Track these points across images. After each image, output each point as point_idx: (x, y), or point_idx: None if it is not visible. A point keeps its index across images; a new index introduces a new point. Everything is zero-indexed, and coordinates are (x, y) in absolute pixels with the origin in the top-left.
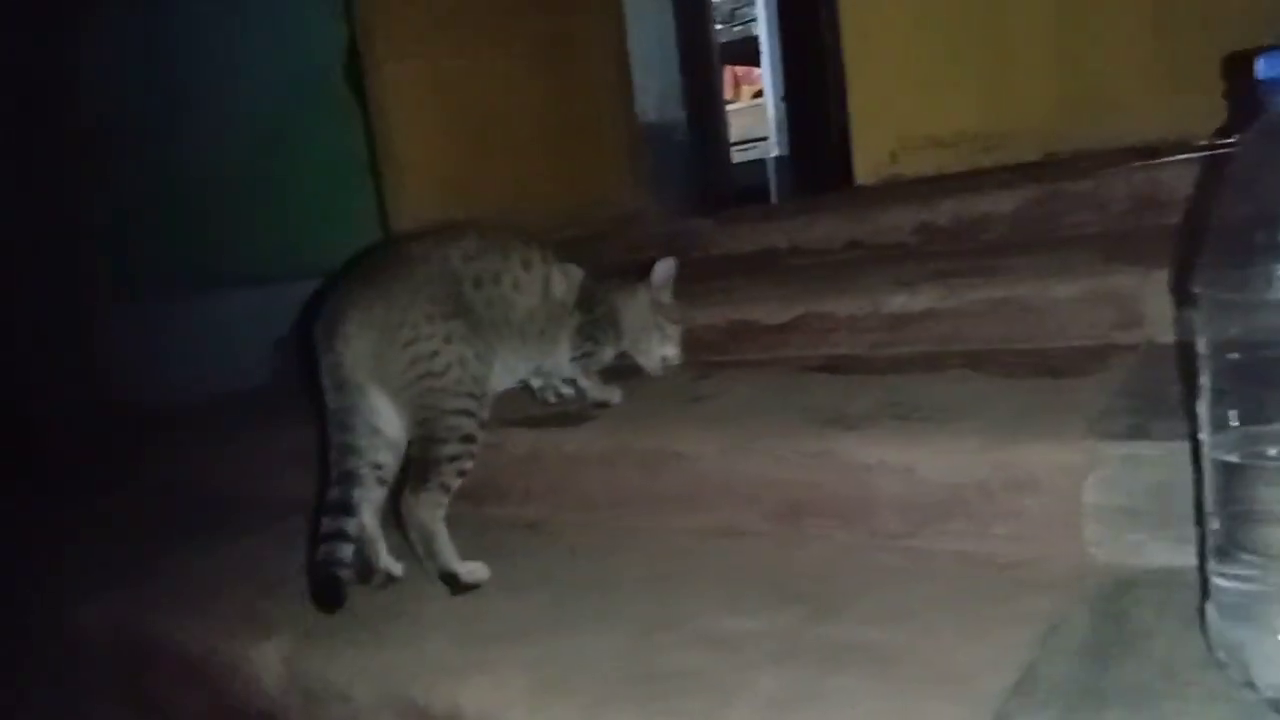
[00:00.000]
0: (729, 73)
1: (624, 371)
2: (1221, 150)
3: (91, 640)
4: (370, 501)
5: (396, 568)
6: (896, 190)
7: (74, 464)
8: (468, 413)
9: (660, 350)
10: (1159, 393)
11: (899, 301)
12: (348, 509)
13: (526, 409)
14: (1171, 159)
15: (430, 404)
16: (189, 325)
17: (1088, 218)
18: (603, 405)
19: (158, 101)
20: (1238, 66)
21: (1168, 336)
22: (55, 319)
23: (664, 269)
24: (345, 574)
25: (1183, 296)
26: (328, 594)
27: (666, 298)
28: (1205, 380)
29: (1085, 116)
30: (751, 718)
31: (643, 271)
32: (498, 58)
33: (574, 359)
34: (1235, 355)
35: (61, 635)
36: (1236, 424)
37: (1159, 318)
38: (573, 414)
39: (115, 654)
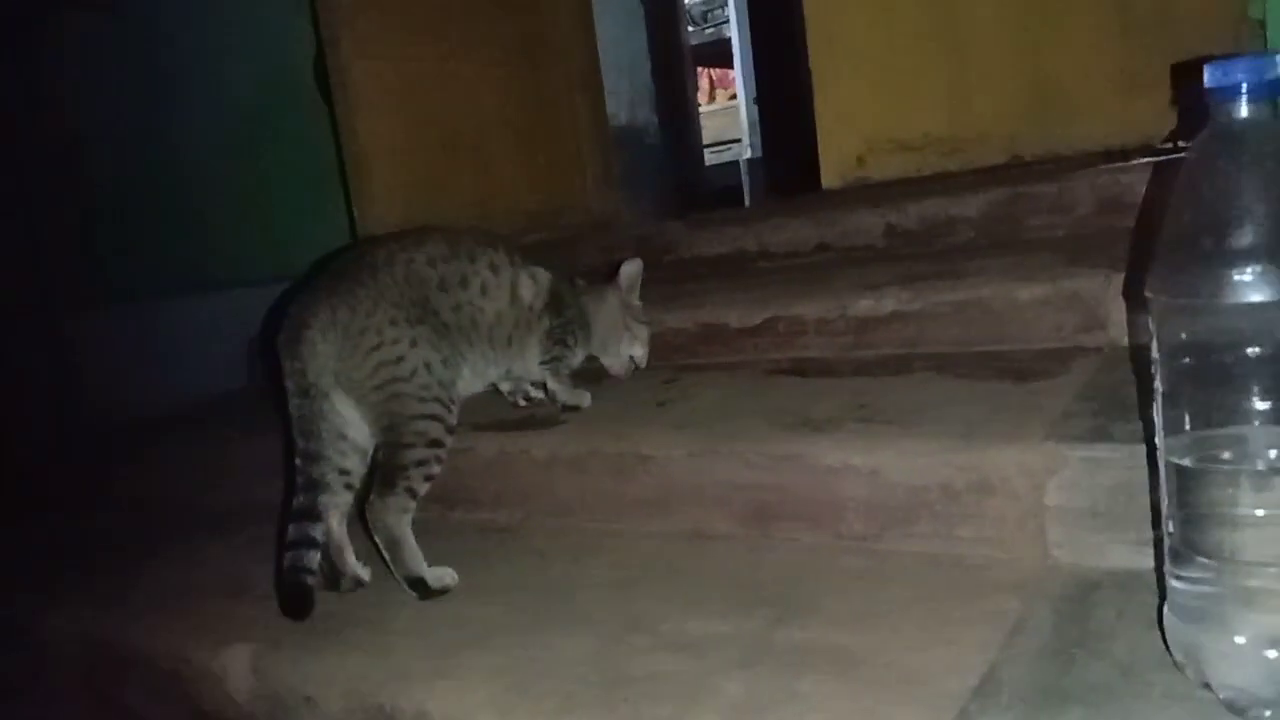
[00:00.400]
0: (704, 76)
1: (594, 375)
2: (1177, 155)
3: (62, 652)
4: (337, 507)
5: (364, 573)
6: (865, 193)
7: (44, 475)
8: (435, 417)
9: (628, 351)
10: (1120, 396)
11: (866, 305)
12: (314, 515)
13: (496, 413)
14: (1134, 163)
15: (396, 410)
16: (161, 330)
17: (1053, 220)
18: (573, 409)
19: (128, 104)
20: (1188, 74)
21: (1130, 340)
22: (23, 326)
23: (631, 270)
24: (312, 581)
25: (1136, 301)
26: (295, 602)
27: (634, 299)
28: (1159, 384)
29: (1050, 121)
30: None
31: (611, 274)
32: (467, 59)
33: (543, 363)
34: (1187, 359)
35: (32, 648)
36: (1189, 428)
37: (1121, 321)
38: (542, 418)
39: (86, 665)
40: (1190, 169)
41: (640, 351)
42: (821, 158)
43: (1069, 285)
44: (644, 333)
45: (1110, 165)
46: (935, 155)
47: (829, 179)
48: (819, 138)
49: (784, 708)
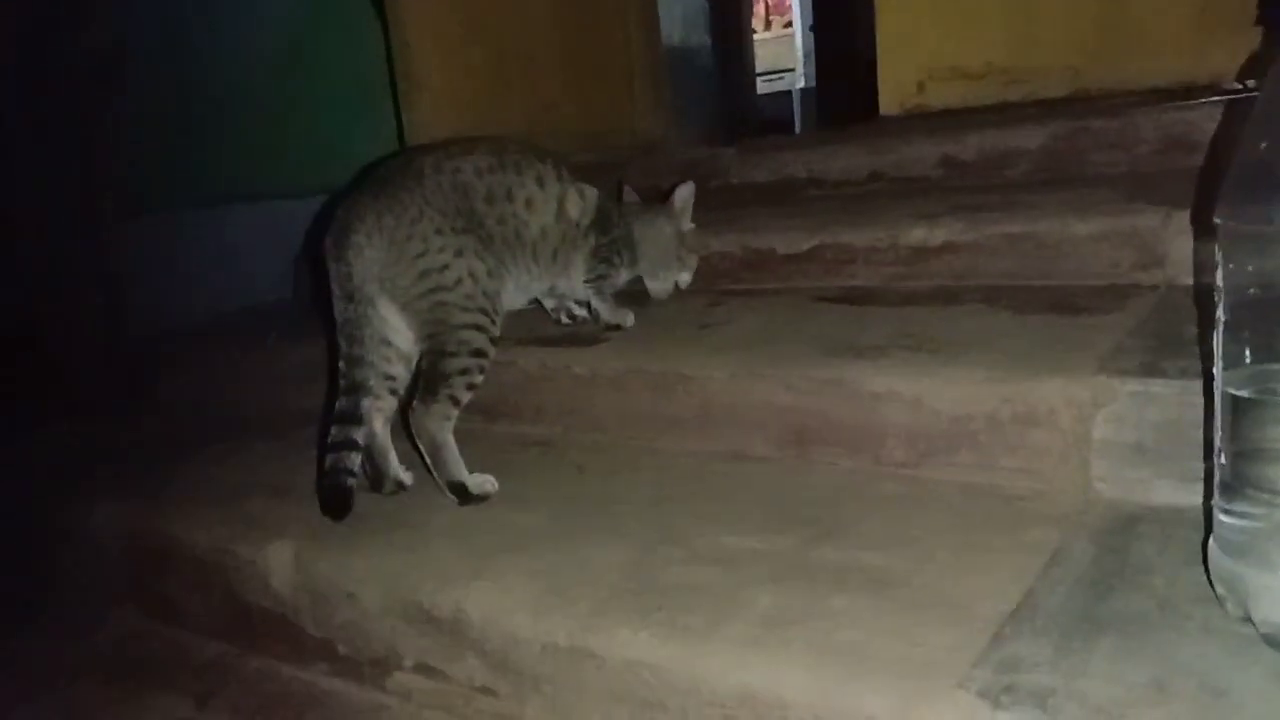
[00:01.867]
0: (760, 2)
1: (637, 296)
2: (1250, 94)
3: (107, 544)
4: (381, 411)
5: (406, 477)
6: (921, 123)
7: (91, 381)
8: (478, 327)
9: (674, 277)
10: (1175, 333)
11: (918, 234)
12: (356, 419)
13: (539, 329)
14: (1202, 101)
15: (440, 318)
16: (206, 241)
17: (1114, 157)
18: (615, 328)
19: (174, 15)
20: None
21: (1188, 278)
22: (71, 237)
23: (684, 193)
24: (353, 483)
25: (1202, 229)
26: (335, 502)
27: (686, 224)
28: (1221, 314)
29: (1117, 54)
30: (749, 632)
31: (663, 197)
32: None
33: (588, 281)
34: (1253, 290)
35: (77, 541)
36: (1250, 360)
37: (1180, 259)
38: (585, 335)
39: (130, 557)
40: (1269, 95)
41: (686, 277)
42: (880, 84)
43: (1128, 221)
44: (692, 260)
45: (1175, 104)
46: (996, 85)
47: (887, 106)
48: (879, 63)
49: (816, 622)
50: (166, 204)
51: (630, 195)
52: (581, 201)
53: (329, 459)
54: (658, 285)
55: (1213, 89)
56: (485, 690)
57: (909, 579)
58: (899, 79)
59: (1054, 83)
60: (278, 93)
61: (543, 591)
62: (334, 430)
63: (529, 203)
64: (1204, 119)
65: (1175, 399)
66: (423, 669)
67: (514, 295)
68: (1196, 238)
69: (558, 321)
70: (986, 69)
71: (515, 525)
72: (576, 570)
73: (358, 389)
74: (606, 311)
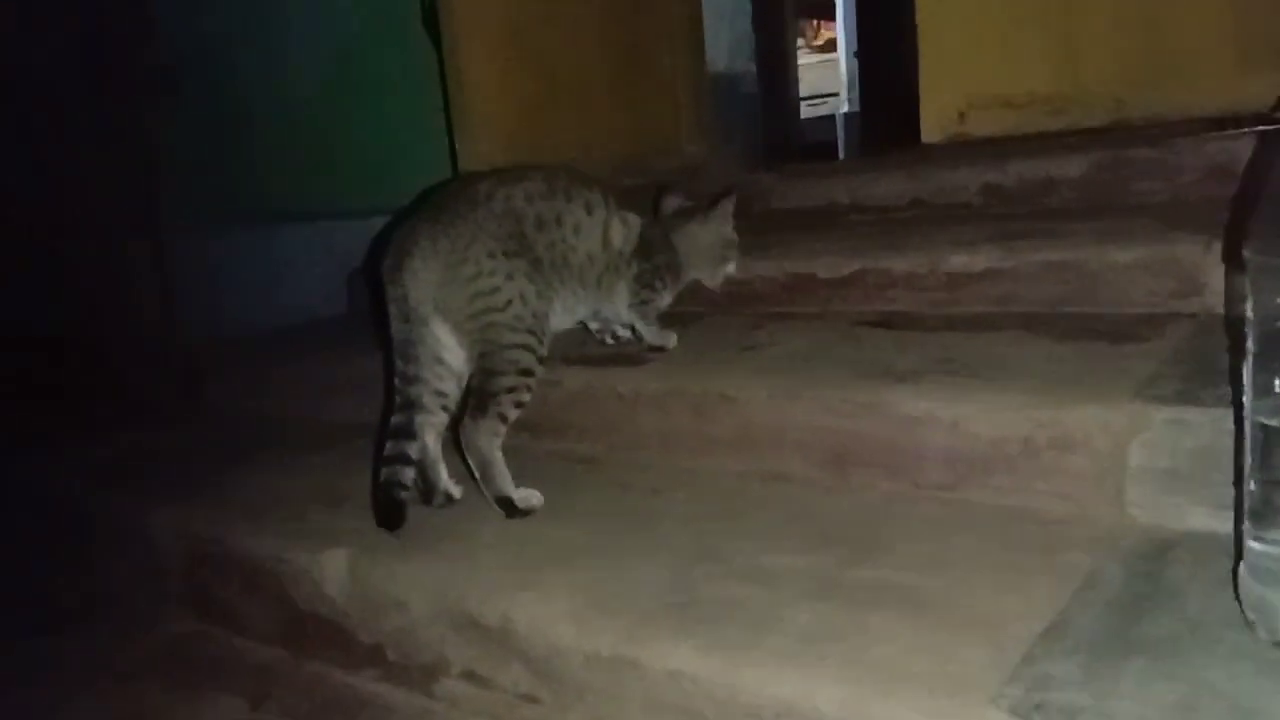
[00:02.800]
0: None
1: (682, 318)
2: None
3: (162, 548)
4: (433, 427)
5: (456, 490)
6: (963, 150)
7: (146, 387)
8: (527, 348)
9: (723, 271)
10: (1211, 361)
11: (959, 261)
12: (410, 434)
13: (584, 349)
14: (1243, 131)
15: (491, 338)
16: (263, 256)
17: (1155, 186)
18: (659, 350)
19: (233, 35)
20: None
21: (1227, 309)
22: (129, 247)
23: (726, 206)
24: (406, 495)
25: (1235, 262)
26: (389, 514)
27: (728, 229)
28: (1251, 345)
29: (1159, 84)
30: (787, 646)
31: (710, 202)
32: (571, 2)
33: (632, 305)
34: None
35: (133, 544)
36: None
37: (1219, 288)
38: (629, 356)
39: (185, 561)
40: None
41: (732, 268)
42: (922, 111)
43: (1167, 250)
44: (734, 252)
45: (1218, 133)
46: (1039, 114)
47: (929, 133)
48: (921, 91)
49: (852, 638)
50: (223, 219)
51: (670, 204)
52: (625, 229)
53: (384, 472)
54: (709, 280)
55: (1256, 119)
56: (529, 698)
57: (944, 599)
58: (941, 107)
59: (1096, 112)
60: (333, 116)
61: (586, 603)
62: (389, 444)
63: (577, 229)
64: (1245, 148)
65: (1210, 427)
66: (469, 676)
67: (560, 317)
68: (1232, 268)
69: (602, 342)
70: (1029, 98)
71: (560, 539)
72: (619, 584)
73: (412, 405)
74: (651, 334)
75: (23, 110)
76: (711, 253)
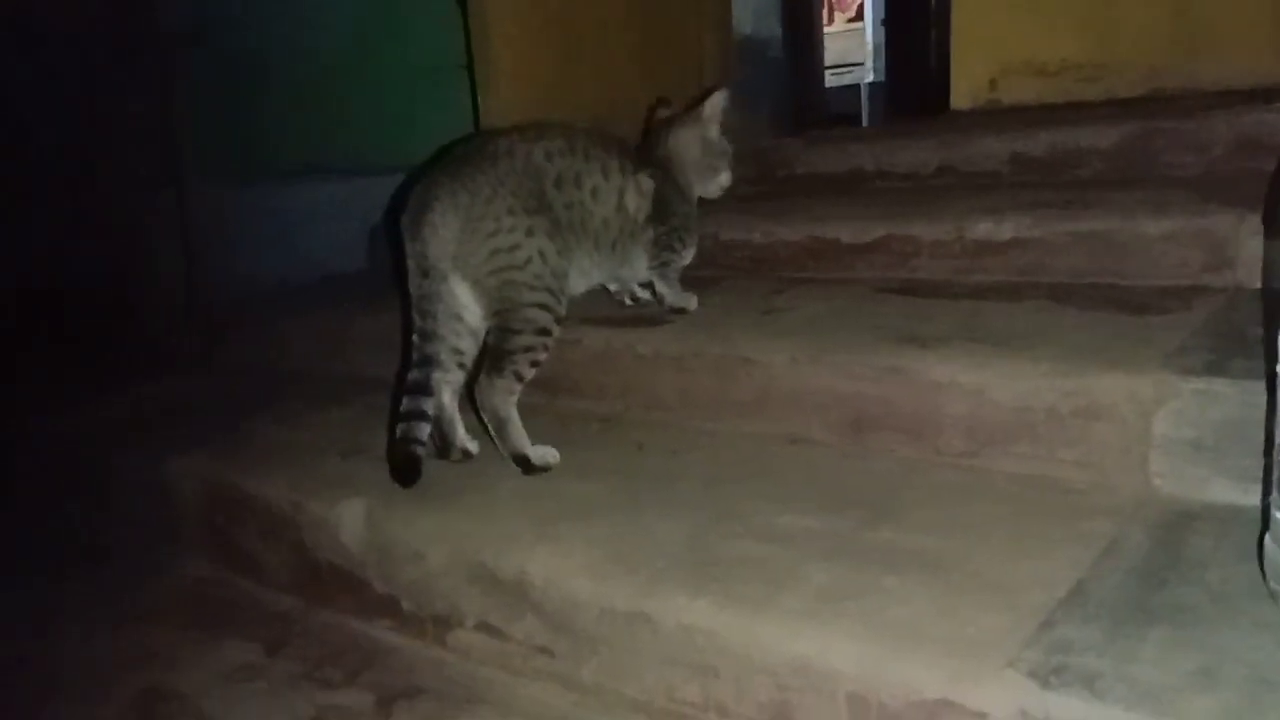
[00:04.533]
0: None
1: (702, 281)
2: None
3: (182, 495)
4: (450, 384)
5: (473, 446)
6: (993, 118)
7: (168, 338)
8: (544, 306)
9: (716, 181)
10: (1241, 334)
11: (984, 229)
12: (427, 390)
13: (604, 309)
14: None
15: (508, 296)
16: (284, 212)
17: (1188, 158)
18: (679, 311)
19: None
20: None
21: (1259, 281)
22: (154, 201)
23: (714, 101)
24: (422, 451)
25: (1271, 231)
26: (405, 470)
27: (714, 130)
28: None
29: (1195, 54)
30: (803, 605)
31: (695, 103)
32: None
33: (652, 267)
34: None
35: (151, 491)
36: None
37: (1251, 262)
38: (648, 317)
39: (204, 508)
40: None
41: (726, 178)
42: (953, 78)
43: (1199, 222)
44: (726, 161)
45: (1255, 106)
46: (1071, 82)
47: (959, 100)
48: (952, 57)
49: (869, 599)
50: (245, 174)
51: (660, 114)
52: (639, 196)
53: (399, 428)
54: (704, 191)
55: None
56: (543, 650)
57: (962, 563)
58: (972, 74)
59: (1130, 81)
60: (356, 72)
61: (603, 558)
62: (405, 400)
63: (595, 192)
64: None
65: (1238, 398)
66: (484, 628)
67: (576, 280)
68: (1267, 239)
69: (622, 304)
70: (1061, 66)
71: (577, 496)
72: (636, 540)
73: (429, 361)
74: (671, 295)
75: (51, 63)
76: (701, 161)
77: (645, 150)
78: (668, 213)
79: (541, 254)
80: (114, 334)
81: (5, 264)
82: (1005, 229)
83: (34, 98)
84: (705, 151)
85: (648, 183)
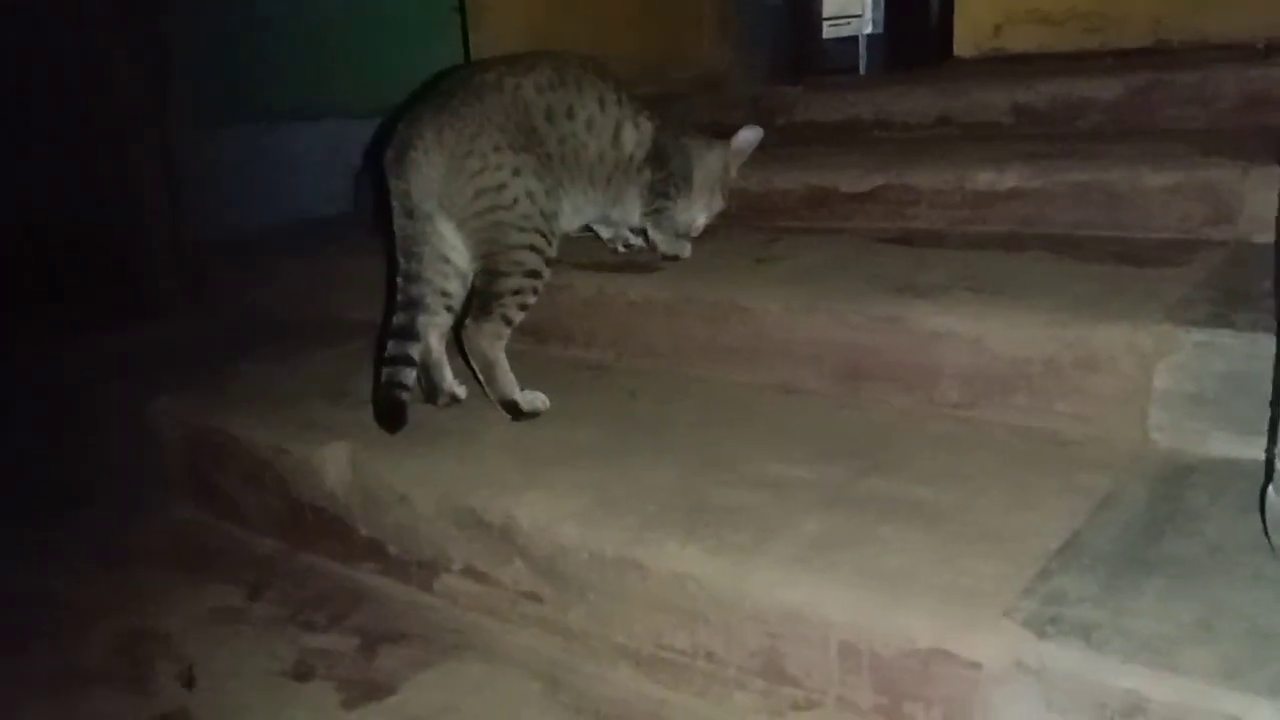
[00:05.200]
0: None
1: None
2: None
3: (165, 438)
4: (437, 327)
5: (460, 391)
6: (994, 67)
7: (153, 282)
8: (533, 248)
9: (700, 215)
10: (1244, 288)
11: (985, 178)
12: (413, 334)
13: (596, 255)
14: None
15: (495, 237)
16: (270, 155)
17: (1191, 111)
18: (672, 258)
19: None
20: None
21: (1262, 236)
22: (140, 143)
23: (749, 136)
24: (407, 397)
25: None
26: (390, 415)
27: (735, 169)
28: None
29: (1199, 6)
30: (795, 552)
31: (727, 133)
32: None
33: (646, 214)
34: None
35: (135, 432)
36: None
37: (1253, 215)
38: (641, 263)
39: (186, 451)
40: None
41: (703, 220)
42: (956, 24)
43: (1202, 175)
44: (719, 204)
45: (1258, 60)
46: (1076, 31)
47: (961, 47)
48: (956, 3)
49: (863, 547)
50: (232, 118)
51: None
52: (637, 134)
53: (384, 372)
54: (683, 218)
55: None
56: (530, 595)
57: (957, 513)
58: (976, 20)
59: (1135, 32)
60: (343, 12)
61: (592, 504)
62: (390, 344)
63: (589, 123)
64: None
65: (1241, 351)
66: (470, 573)
67: (569, 218)
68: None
69: (614, 250)
70: (1068, 14)
71: (567, 442)
72: (626, 486)
73: (414, 305)
74: (664, 242)
75: (36, 3)
76: (709, 184)
77: (659, 160)
78: (666, 157)
79: (530, 194)
80: (99, 277)
81: None
82: (1006, 179)
83: (18, 39)
84: (719, 180)
85: (646, 124)
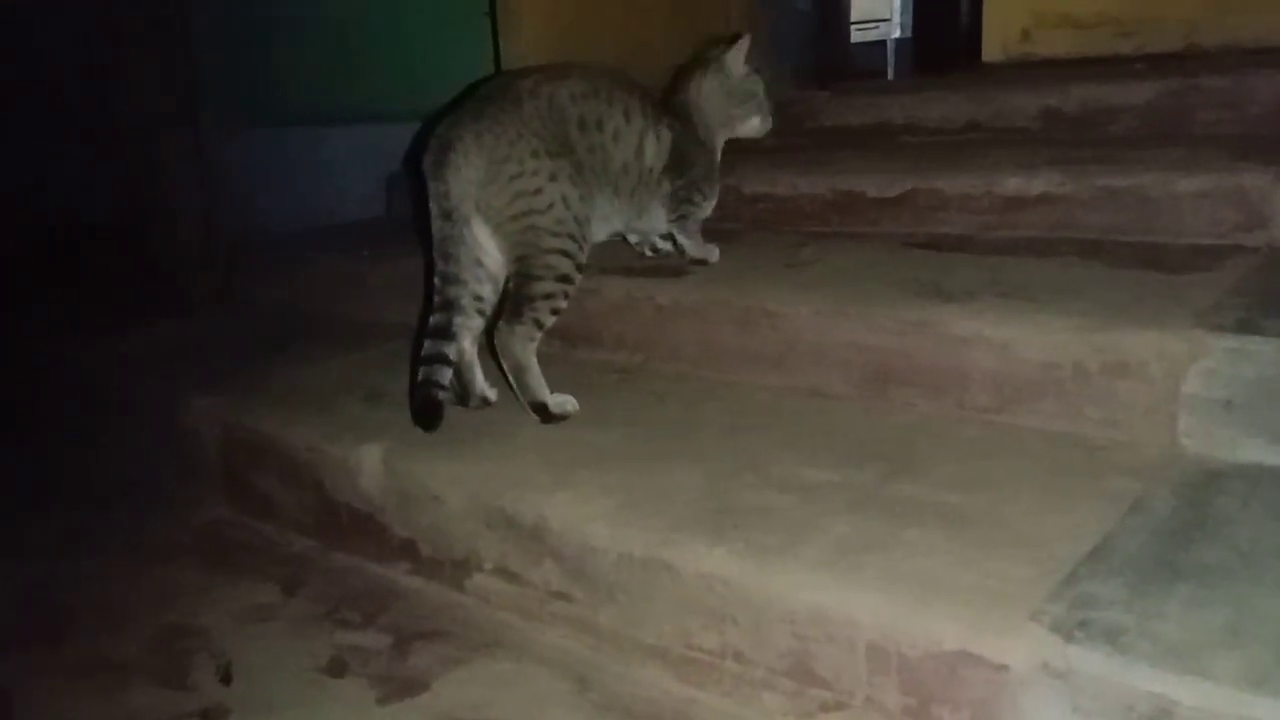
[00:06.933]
0: None
1: (724, 234)
2: None
3: (199, 435)
4: (469, 330)
5: (491, 393)
6: (1024, 72)
7: (188, 281)
8: (566, 254)
9: (749, 125)
10: (1276, 293)
11: (1014, 184)
12: (449, 334)
13: (624, 259)
14: None
15: (530, 241)
16: (303, 157)
17: (1223, 116)
18: (700, 262)
19: None
20: None
21: None
22: (173, 145)
23: (741, 47)
24: (444, 396)
25: None
26: (427, 413)
27: (737, 81)
28: None
29: (1232, 10)
30: (823, 555)
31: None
32: None
33: (672, 220)
34: None
35: (170, 431)
36: None
37: None
38: (669, 267)
39: (223, 450)
40: None
41: (759, 122)
42: (985, 28)
43: (1233, 180)
44: (753, 105)
45: None
46: (1106, 36)
47: (990, 52)
48: (985, 7)
49: (890, 550)
50: (267, 119)
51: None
52: (657, 145)
53: (422, 371)
54: (738, 134)
55: None
56: (561, 595)
57: (985, 517)
58: (1005, 24)
59: (1167, 36)
60: (376, 18)
61: (621, 505)
62: (427, 344)
63: (616, 135)
64: None
65: (1271, 358)
66: (501, 572)
67: (597, 226)
68: None
69: (641, 255)
70: (1098, 18)
71: (595, 444)
72: (654, 488)
73: (451, 305)
74: (692, 247)
75: (74, 14)
76: (724, 111)
77: (669, 94)
78: (686, 165)
79: (564, 199)
80: (132, 274)
81: (24, 202)
82: (1035, 184)
83: (51, 36)
84: (728, 101)
85: (666, 134)
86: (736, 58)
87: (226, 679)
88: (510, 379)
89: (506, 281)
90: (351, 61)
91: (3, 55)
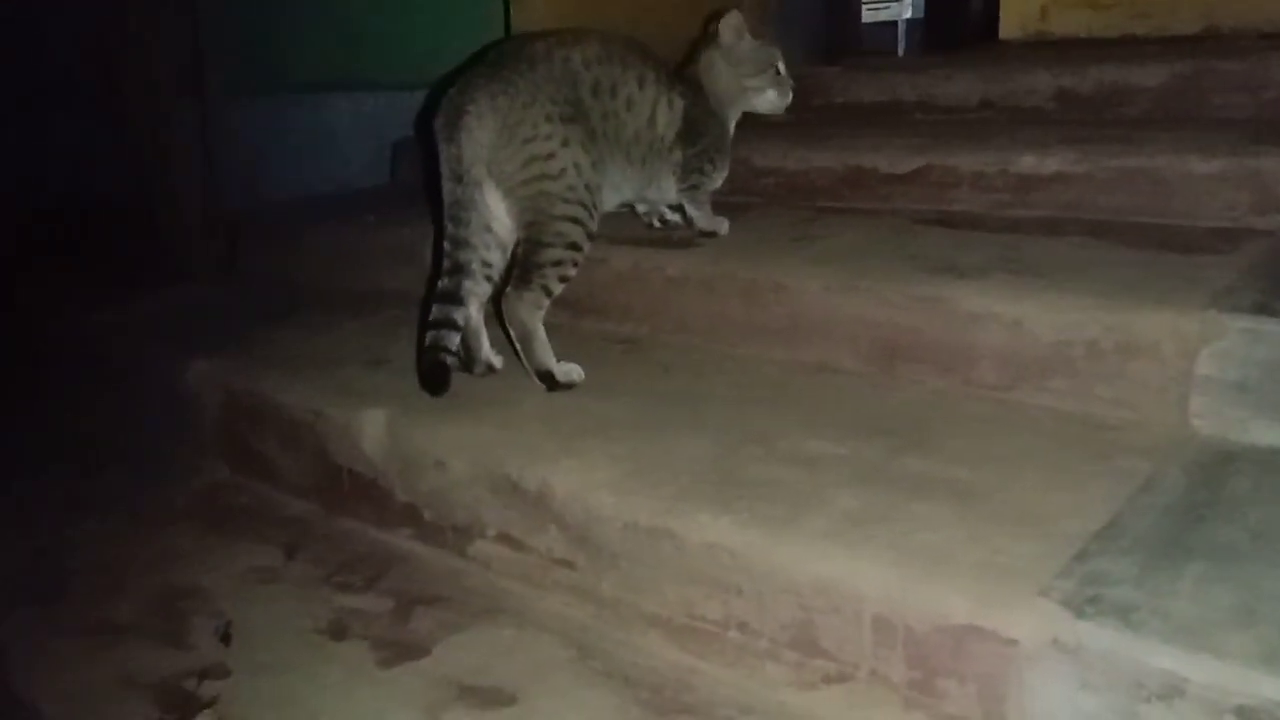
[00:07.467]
0: None
1: (734, 207)
2: None
3: (200, 399)
4: (476, 296)
5: (497, 360)
6: (1039, 51)
7: (189, 249)
8: (577, 220)
9: (765, 99)
10: None
11: (1028, 162)
12: (457, 299)
13: (633, 230)
14: None
15: (541, 207)
16: (306, 124)
17: (1239, 99)
18: (710, 235)
19: None
20: None
21: None
22: (177, 114)
23: (730, 22)
24: (452, 361)
25: None
26: (435, 377)
27: (738, 54)
28: None
29: None
30: (830, 527)
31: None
32: None
33: (682, 190)
34: None
35: (171, 395)
36: None
37: None
38: (677, 239)
39: (224, 414)
40: None
41: (775, 95)
42: (1002, 5)
43: (1249, 163)
44: (763, 79)
45: None
46: (1124, 16)
47: (1007, 29)
48: None
49: (897, 523)
50: (269, 87)
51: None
52: (670, 113)
53: (429, 335)
54: (755, 108)
55: None
56: (564, 563)
57: (993, 493)
58: (1023, 3)
59: (1184, 18)
60: None
61: (626, 474)
62: (435, 308)
63: (629, 102)
64: None
65: None
66: (504, 539)
67: (608, 194)
68: None
69: (650, 226)
70: None
71: (601, 414)
72: (660, 458)
73: (460, 269)
74: (701, 219)
75: None
76: (731, 85)
77: (682, 65)
78: (697, 134)
79: (576, 166)
80: (134, 243)
81: (25, 171)
82: (1049, 163)
83: (55, 8)
84: (736, 73)
85: (679, 102)
86: (726, 30)
87: (226, 639)
88: (517, 346)
89: (515, 247)
90: (356, 28)
91: (2, 22)
